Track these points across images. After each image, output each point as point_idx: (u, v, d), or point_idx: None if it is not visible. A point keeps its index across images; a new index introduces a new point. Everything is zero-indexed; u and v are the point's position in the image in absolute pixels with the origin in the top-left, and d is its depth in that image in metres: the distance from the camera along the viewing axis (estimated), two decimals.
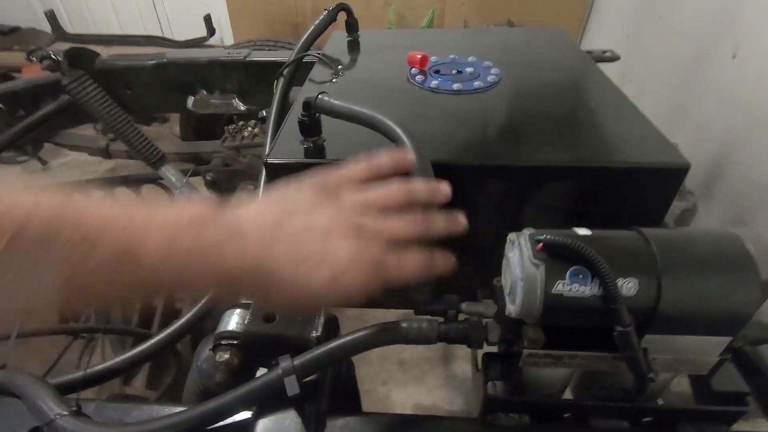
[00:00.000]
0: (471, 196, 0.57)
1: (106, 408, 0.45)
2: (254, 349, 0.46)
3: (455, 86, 0.70)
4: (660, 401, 0.48)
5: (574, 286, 0.36)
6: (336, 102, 0.51)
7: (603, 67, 0.78)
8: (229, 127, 1.68)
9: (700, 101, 1.39)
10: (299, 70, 0.87)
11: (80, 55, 1.26)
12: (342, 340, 0.42)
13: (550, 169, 0.54)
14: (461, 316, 0.46)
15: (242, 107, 1.41)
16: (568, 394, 0.51)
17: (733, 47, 1.25)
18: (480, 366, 0.46)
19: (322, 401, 0.44)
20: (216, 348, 0.46)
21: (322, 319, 0.48)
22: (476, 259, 0.57)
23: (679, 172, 0.51)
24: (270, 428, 0.42)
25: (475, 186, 0.56)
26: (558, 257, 0.37)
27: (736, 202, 1.24)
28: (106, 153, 1.74)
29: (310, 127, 0.56)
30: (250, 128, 1.68)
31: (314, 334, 0.47)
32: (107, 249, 0.28)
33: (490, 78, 0.72)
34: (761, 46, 1.15)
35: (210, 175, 1.61)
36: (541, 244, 0.37)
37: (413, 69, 0.76)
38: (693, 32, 1.45)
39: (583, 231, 0.39)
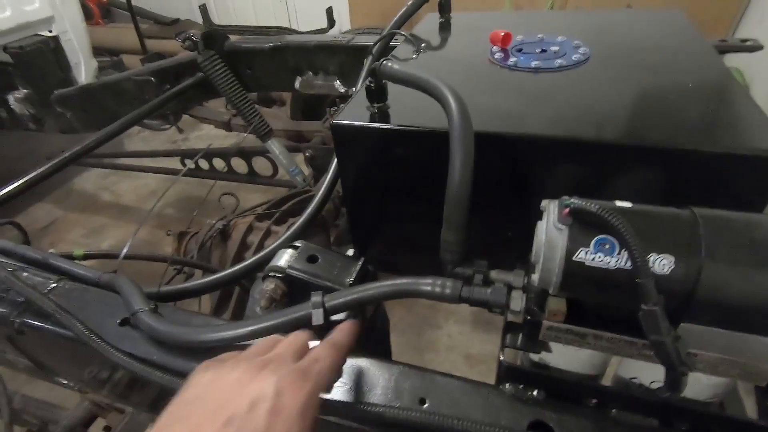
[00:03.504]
0: (528, 169, 0.55)
1: (176, 313, 0.54)
2: (296, 284, 0.51)
3: (534, 64, 0.68)
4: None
5: (597, 256, 0.34)
6: (396, 67, 0.53)
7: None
8: (331, 109, 1.80)
9: None
10: (391, 50, 0.90)
11: (213, 37, 1.45)
12: (367, 286, 0.45)
13: (620, 147, 0.50)
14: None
15: (342, 89, 1.50)
16: None
17: None
18: None
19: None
20: (264, 279, 0.52)
21: (358, 267, 0.51)
22: (523, 235, 0.55)
23: None
24: None
25: (530, 160, 0.54)
26: (585, 224, 0.35)
27: None
28: (228, 126, 1.98)
29: (375, 92, 0.59)
30: None
31: (348, 280, 0.50)
32: None
33: (575, 57, 0.68)
34: None
35: (309, 151, 1.75)
36: (568, 208, 0.35)
37: (494, 47, 0.75)
38: None
39: (622, 203, 0.37)
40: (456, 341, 1.69)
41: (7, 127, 1.99)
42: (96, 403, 0.88)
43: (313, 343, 0.42)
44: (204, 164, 2.02)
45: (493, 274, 0.45)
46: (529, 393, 0.41)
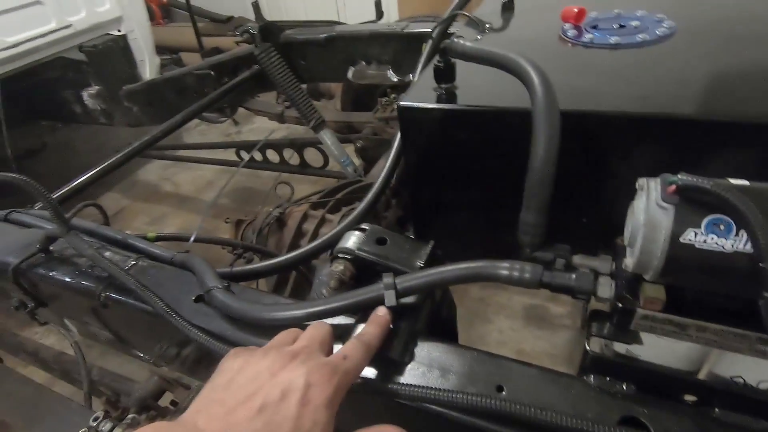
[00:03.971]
0: (611, 150, 0.52)
1: (246, 291, 0.56)
2: (365, 266, 0.51)
3: (613, 40, 0.63)
4: None
5: (710, 237, 0.31)
6: (468, 44, 0.51)
7: None
8: (382, 99, 1.79)
9: None
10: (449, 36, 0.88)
11: (270, 29, 1.48)
12: (441, 269, 0.44)
13: (725, 124, 0.46)
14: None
15: (395, 78, 1.48)
16: None
17: None
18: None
19: (417, 322, 0.46)
20: (333, 261, 0.52)
21: (428, 250, 0.50)
22: (604, 218, 0.52)
23: None
24: None
25: (614, 140, 0.50)
26: (694, 203, 0.32)
27: None
28: (281, 118, 2.02)
29: (443, 72, 0.57)
30: None
31: (418, 263, 0.49)
32: None
33: (659, 31, 0.63)
34: None
35: (360, 142, 1.75)
36: (675, 185, 0.32)
37: (566, 25, 0.71)
38: None
39: (738, 181, 0.33)
40: (507, 336, 1.65)
41: (82, 121, 2.14)
42: (165, 378, 0.92)
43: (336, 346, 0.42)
44: (258, 156, 2.07)
45: (576, 259, 0.42)
46: (618, 386, 0.39)
